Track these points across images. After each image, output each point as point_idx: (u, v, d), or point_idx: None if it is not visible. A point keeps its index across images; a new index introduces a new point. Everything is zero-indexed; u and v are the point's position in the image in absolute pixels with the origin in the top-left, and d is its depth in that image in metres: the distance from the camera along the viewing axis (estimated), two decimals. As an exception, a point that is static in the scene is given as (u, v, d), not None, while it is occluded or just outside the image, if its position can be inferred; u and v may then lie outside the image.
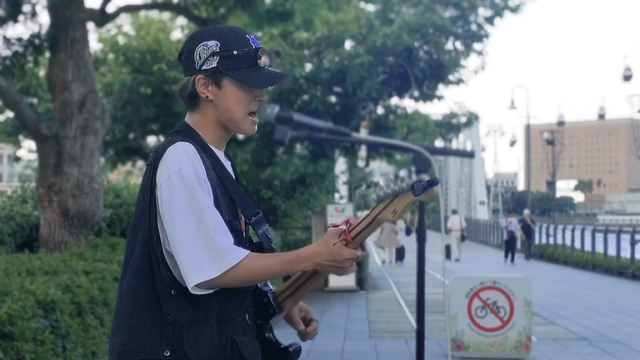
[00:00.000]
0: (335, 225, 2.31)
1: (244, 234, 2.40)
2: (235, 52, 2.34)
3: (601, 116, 55.35)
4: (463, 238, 30.47)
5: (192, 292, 2.21)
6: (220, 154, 2.40)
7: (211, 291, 2.24)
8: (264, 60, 2.40)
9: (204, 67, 2.35)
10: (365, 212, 2.26)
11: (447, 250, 28.15)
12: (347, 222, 2.28)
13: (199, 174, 2.25)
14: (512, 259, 27.72)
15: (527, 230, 29.61)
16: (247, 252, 2.25)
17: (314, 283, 2.40)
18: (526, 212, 30.34)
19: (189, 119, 2.42)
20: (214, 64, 2.34)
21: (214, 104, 2.37)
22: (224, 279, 2.21)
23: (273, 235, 2.43)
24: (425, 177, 2.14)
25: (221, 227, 2.23)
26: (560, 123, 57.11)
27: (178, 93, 2.44)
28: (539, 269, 24.45)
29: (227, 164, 2.43)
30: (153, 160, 2.30)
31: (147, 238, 2.28)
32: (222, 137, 2.42)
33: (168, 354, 2.24)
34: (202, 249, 2.20)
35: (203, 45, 2.36)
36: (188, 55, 2.38)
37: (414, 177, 2.15)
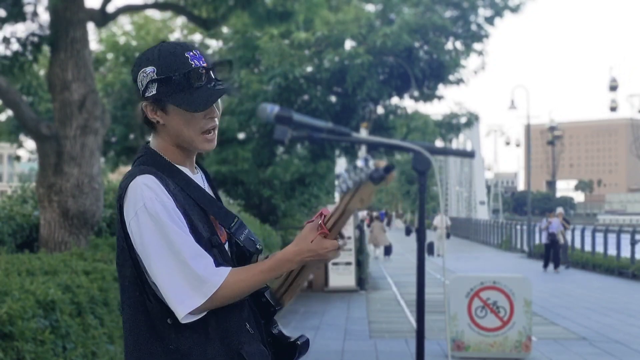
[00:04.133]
0: (311, 221, 2.33)
1: (227, 245, 2.40)
2: (170, 77, 2.30)
3: (613, 109, 55.43)
4: (448, 235, 31.55)
5: (183, 322, 2.22)
6: (187, 170, 2.38)
7: (204, 314, 2.25)
8: (206, 77, 2.33)
9: (146, 95, 2.34)
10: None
11: (431, 247, 29.33)
12: (321, 214, 2.31)
13: (166, 204, 2.24)
14: (557, 265, 23.91)
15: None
16: (227, 271, 2.24)
17: (305, 275, 2.42)
18: (559, 210, 26.19)
19: (152, 140, 2.42)
20: (154, 91, 2.32)
21: (166, 127, 2.36)
22: (213, 302, 2.23)
23: (257, 236, 2.43)
24: (382, 164, 2.17)
25: (197, 253, 2.23)
26: (552, 128, 57.46)
27: (138, 119, 2.44)
28: (538, 269, 24.45)
29: (198, 177, 2.43)
30: (118, 197, 2.31)
31: (134, 274, 2.29)
32: (186, 156, 2.40)
33: None
34: (182, 279, 2.20)
35: (142, 72, 2.35)
36: (134, 82, 2.39)
37: (371, 165, 2.17)
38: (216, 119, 2.38)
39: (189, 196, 2.32)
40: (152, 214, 2.22)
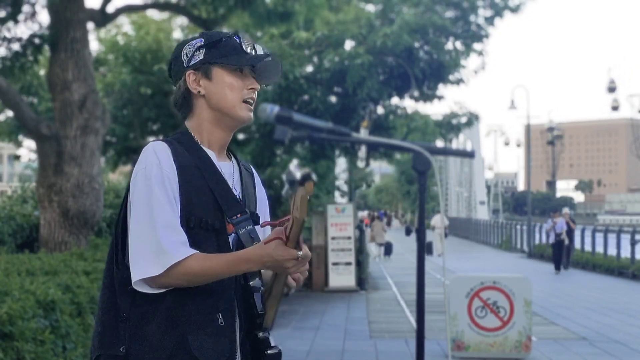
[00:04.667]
0: (280, 223, 2.29)
1: (235, 237, 2.38)
2: (219, 41, 2.39)
3: (615, 108, 55.32)
4: (445, 235, 31.99)
5: (136, 287, 2.23)
6: (212, 154, 2.41)
7: (162, 290, 2.25)
8: (252, 49, 2.42)
9: (192, 63, 2.39)
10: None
11: (429, 247, 29.58)
12: (289, 219, 2.24)
13: (165, 171, 2.29)
14: (558, 266, 23.19)
15: (567, 233, 24.24)
16: (192, 251, 2.24)
17: (279, 285, 2.37)
18: (566, 210, 25.52)
19: (187, 124, 2.45)
20: (201, 56, 2.39)
21: (206, 98, 2.40)
22: (169, 278, 2.22)
23: (258, 235, 2.40)
24: (304, 171, 2.12)
25: (170, 225, 2.24)
26: (551, 128, 57.61)
27: (173, 103, 2.48)
28: (538, 269, 24.46)
29: (227, 165, 2.44)
30: (134, 161, 2.38)
31: (115, 237, 2.34)
32: (219, 138, 2.43)
33: (124, 350, 2.27)
34: (148, 245, 2.23)
35: (188, 44, 2.43)
36: (176, 60, 2.43)
37: (298, 173, 2.14)
38: (254, 94, 2.43)
39: (202, 176, 2.34)
40: (147, 177, 2.28)
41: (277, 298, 2.40)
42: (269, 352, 2.40)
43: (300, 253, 2.20)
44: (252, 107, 2.43)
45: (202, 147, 2.40)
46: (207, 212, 2.32)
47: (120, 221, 2.34)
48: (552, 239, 24.12)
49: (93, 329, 2.41)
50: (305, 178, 2.08)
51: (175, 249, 2.22)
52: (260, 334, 2.41)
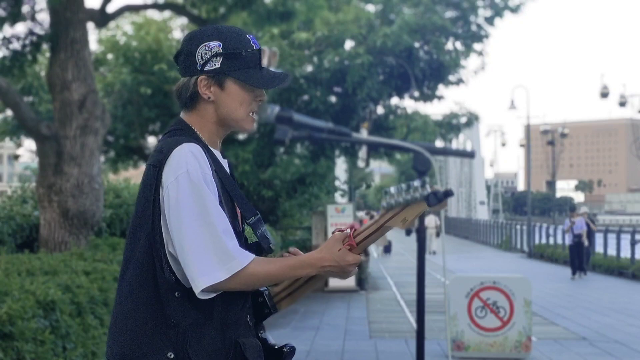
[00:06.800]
0: (340, 230, 2.30)
1: (243, 235, 2.40)
2: (239, 53, 2.33)
3: (622, 104, 55.07)
4: (437, 234, 32.64)
5: (199, 296, 2.20)
6: (217, 154, 2.39)
7: (215, 294, 2.23)
8: (264, 61, 2.39)
9: (206, 68, 2.33)
10: (370, 217, 2.27)
11: None
12: (352, 227, 2.29)
13: (206, 175, 2.24)
14: (582, 269, 21.88)
15: (587, 235, 22.60)
16: (253, 256, 2.24)
17: (312, 285, 2.40)
18: (584, 209, 24.06)
19: (186, 117, 2.40)
20: (218, 65, 2.33)
21: (215, 104, 2.36)
22: (231, 283, 2.20)
23: (271, 235, 2.42)
24: (440, 188, 2.13)
25: (229, 230, 2.22)
26: (545, 131, 57.74)
27: (176, 94, 2.41)
28: (538, 269, 24.46)
29: (224, 163, 2.43)
30: (157, 160, 2.27)
31: (150, 239, 2.26)
32: (218, 136, 2.41)
33: (172, 356, 2.23)
34: (211, 251, 2.18)
35: (205, 45, 2.34)
36: (188, 56, 2.36)
37: (428, 188, 2.12)
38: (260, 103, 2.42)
39: (219, 178, 2.32)
40: (193, 181, 2.21)
41: (298, 299, 2.43)
42: (285, 349, 2.42)
43: (364, 258, 2.26)
44: (256, 117, 2.41)
45: (209, 147, 2.37)
46: (230, 215, 2.30)
47: (150, 224, 2.25)
48: (569, 240, 22.56)
49: (119, 333, 2.31)
50: (449, 194, 2.10)
51: (240, 254, 2.21)
52: (260, 334, 2.44)
